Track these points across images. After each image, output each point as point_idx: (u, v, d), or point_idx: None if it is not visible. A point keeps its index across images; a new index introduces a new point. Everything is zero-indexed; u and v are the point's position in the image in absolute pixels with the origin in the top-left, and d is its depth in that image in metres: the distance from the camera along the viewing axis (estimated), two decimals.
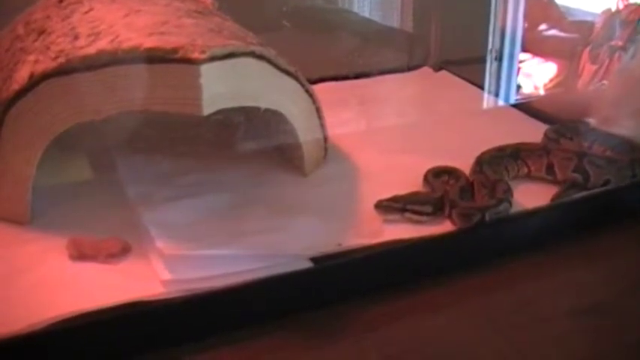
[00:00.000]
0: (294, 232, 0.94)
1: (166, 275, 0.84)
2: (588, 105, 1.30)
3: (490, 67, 1.45)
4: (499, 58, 1.45)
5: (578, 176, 1.09)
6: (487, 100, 1.49)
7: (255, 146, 1.15)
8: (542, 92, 1.53)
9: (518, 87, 1.50)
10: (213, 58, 0.85)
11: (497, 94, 1.48)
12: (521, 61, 1.49)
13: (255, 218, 0.98)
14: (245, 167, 1.12)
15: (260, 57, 0.93)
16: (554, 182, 1.11)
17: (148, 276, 0.85)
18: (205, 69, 0.85)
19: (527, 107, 1.41)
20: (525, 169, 1.12)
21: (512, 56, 1.44)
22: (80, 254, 0.89)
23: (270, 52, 0.95)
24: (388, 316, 0.85)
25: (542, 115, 1.35)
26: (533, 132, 1.24)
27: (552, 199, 1.06)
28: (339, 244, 0.91)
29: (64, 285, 0.84)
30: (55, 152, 0.95)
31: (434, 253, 0.94)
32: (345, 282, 0.88)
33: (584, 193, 1.07)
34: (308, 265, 0.87)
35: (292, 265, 0.86)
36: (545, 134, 1.22)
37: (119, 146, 1.13)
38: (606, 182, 1.08)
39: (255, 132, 1.14)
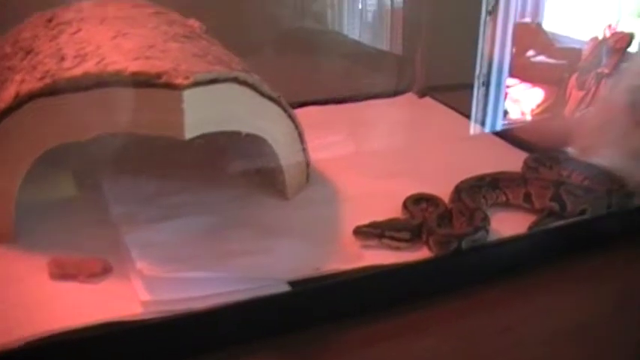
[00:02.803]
0: (273, 255, 0.95)
1: (146, 296, 0.84)
2: (569, 134, 1.32)
3: (477, 92, 1.46)
4: (486, 84, 1.46)
5: (555, 205, 1.10)
6: (469, 128, 1.50)
7: (238, 169, 1.16)
8: (529, 117, 1.54)
9: (506, 112, 1.50)
10: (196, 84, 0.86)
11: (483, 120, 1.49)
12: (508, 87, 1.49)
13: (235, 241, 0.98)
14: (228, 190, 1.13)
15: (243, 83, 0.95)
16: (532, 211, 1.12)
17: (128, 296, 0.85)
18: (188, 94, 0.86)
19: (509, 135, 1.42)
20: (503, 198, 1.14)
21: (499, 82, 1.46)
22: (61, 273, 0.90)
23: (253, 78, 0.97)
24: (365, 340, 0.86)
25: (524, 144, 1.37)
26: (514, 160, 1.26)
27: (529, 228, 1.07)
28: (317, 269, 0.92)
29: (43, 304, 0.84)
30: (41, 170, 0.95)
31: (411, 279, 0.95)
32: (322, 306, 0.89)
33: (560, 222, 1.08)
34: (286, 288, 0.88)
35: (270, 289, 0.87)
36: (525, 163, 1.24)
37: (105, 166, 1.14)
38: (583, 211, 1.10)
39: (238, 156, 1.15)
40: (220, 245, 0.97)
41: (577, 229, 1.09)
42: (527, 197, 1.12)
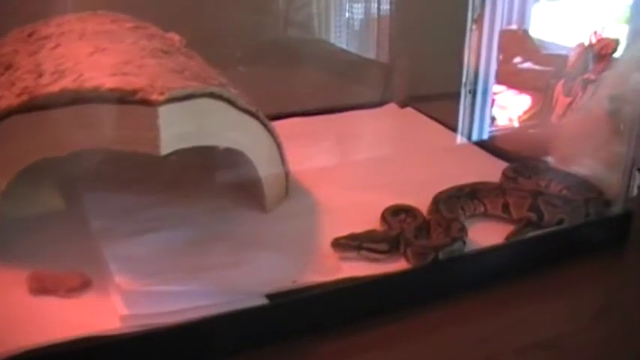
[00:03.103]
0: (251, 268, 0.96)
1: (124, 310, 0.85)
2: (549, 143, 1.33)
3: (464, 100, 1.47)
4: (473, 92, 1.46)
5: (532, 215, 1.11)
6: (450, 138, 1.51)
7: (217, 183, 1.17)
8: (516, 124, 1.55)
9: (493, 119, 1.51)
10: (171, 100, 0.87)
11: (470, 127, 1.50)
12: (495, 94, 1.50)
13: (214, 254, 0.99)
14: (207, 203, 1.13)
15: (219, 97, 0.95)
16: (510, 221, 1.13)
17: (106, 311, 0.86)
18: (163, 110, 0.87)
19: (489, 145, 1.44)
20: (482, 208, 1.14)
21: (485, 89, 1.46)
22: (40, 288, 0.90)
23: (229, 93, 0.97)
24: (343, 352, 0.87)
25: (504, 153, 1.38)
26: (494, 170, 1.26)
27: (507, 238, 1.08)
28: (295, 281, 0.92)
29: (22, 319, 0.85)
30: (21, 184, 0.96)
31: (389, 291, 0.96)
32: (300, 318, 0.89)
33: (538, 232, 1.09)
34: (263, 301, 0.88)
35: (248, 302, 0.87)
36: (504, 173, 1.25)
37: (85, 180, 1.15)
38: (560, 221, 1.11)
39: (217, 169, 1.15)
40: (199, 259, 0.97)
41: (555, 239, 1.10)
42: (506, 207, 1.13)
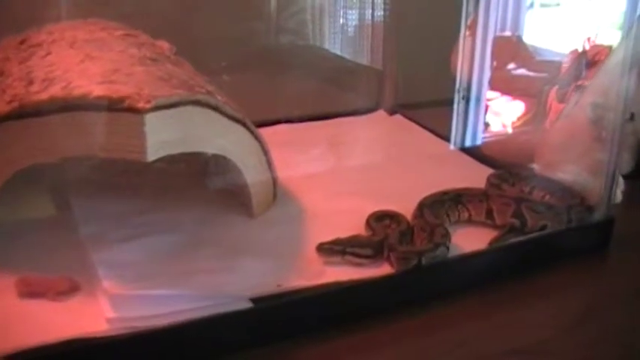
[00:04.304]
0: (237, 273, 0.97)
1: (111, 313, 0.86)
2: (533, 150, 1.34)
3: (458, 106, 1.48)
4: (466, 98, 1.47)
5: (515, 221, 1.13)
6: (437, 145, 1.52)
7: (205, 189, 1.18)
8: (510, 130, 1.55)
9: (487, 125, 1.52)
10: (157, 108, 0.89)
11: (464, 133, 1.51)
12: (489, 100, 1.51)
13: (201, 259, 1.00)
14: (196, 209, 1.14)
15: (205, 105, 0.97)
16: (494, 227, 1.14)
17: (94, 314, 0.87)
18: (149, 118, 0.88)
19: (476, 152, 1.45)
20: (466, 214, 1.16)
21: (479, 96, 1.47)
22: (29, 292, 0.91)
23: (216, 100, 0.99)
24: (327, 355, 0.88)
25: (490, 160, 1.40)
26: (479, 177, 1.28)
27: (490, 243, 1.09)
28: (279, 285, 0.94)
29: (10, 321, 0.86)
30: (12, 190, 0.97)
31: (372, 295, 0.97)
32: (284, 322, 0.91)
33: (520, 238, 1.11)
34: (248, 305, 0.90)
35: (233, 305, 0.89)
36: (488, 180, 1.26)
37: (74, 186, 1.16)
38: (543, 227, 1.12)
39: (205, 175, 1.17)
40: (185, 264, 0.99)
41: (537, 245, 1.11)
42: (489, 213, 1.15)
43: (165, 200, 1.16)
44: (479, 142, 1.50)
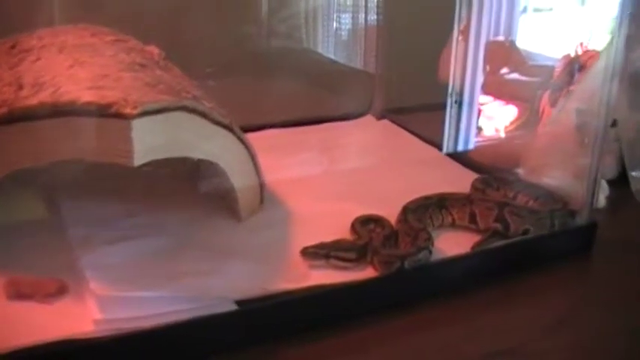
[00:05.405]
0: (223, 275, 0.99)
1: (98, 315, 0.88)
2: (519, 155, 1.35)
3: (450, 110, 1.48)
4: (459, 103, 1.48)
5: (498, 225, 1.15)
6: (424, 150, 1.54)
7: (193, 193, 1.20)
8: (503, 134, 1.56)
9: (480, 129, 1.52)
10: (144, 114, 0.90)
11: (456, 137, 1.51)
12: (482, 104, 1.52)
13: (188, 262, 1.02)
14: (184, 213, 1.16)
15: (192, 111, 0.98)
16: (477, 231, 1.16)
17: (82, 315, 0.89)
18: (136, 123, 0.89)
19: (462, 157, 1.46)
20: (450, 218, 1.18)
21: (471, 101, 1.47)
22: (17, 293, 0.92)
23: (203, 106, 1.00)
24: (310, 356, 0.90)
25: (476, 165, 1.42)
26: (466, 182, 1.30)
27: (472, 247, 1.11)
28: (264, 288, 0.95)
29: None
30: (2, 192, 0.99)
31: (356, 298, 0.99)
32: (268, 324, 0.92)
33: (503, 242, 1.12)
34: (233, 307, 0.92)
35: (218, 307, 0.91)
36: (473, 184, 1.28)
37: (63, 189, 1.18)
38: (526, 231, 1.14)
39: (193, 180, 1.19)
40: (172, 266, 1.00)
41: (519, 249, 1.13)
42: (473, 218, 1.17)
43: (153, 203, 1.18)
44: (471, 146, 1.48)
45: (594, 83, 1.19)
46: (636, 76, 1.32)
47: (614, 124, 1.22)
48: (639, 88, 1.25)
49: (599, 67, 1.20)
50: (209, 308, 0.90)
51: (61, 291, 0.94)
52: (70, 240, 1.06)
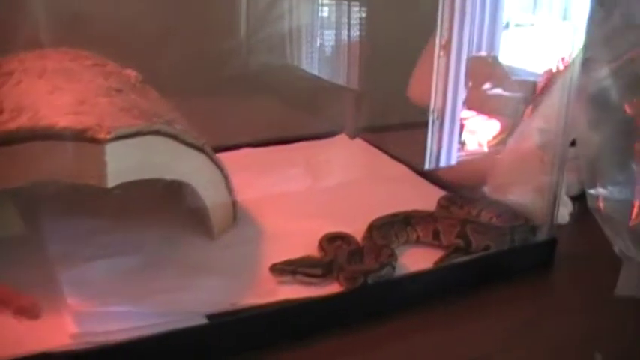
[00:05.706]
0: (194, 291, 1.03)
1: (74, 329, 0.92)
2: (485, 173, 1.40)
3: (432, 127, 1.50)
4: (441, 119, 1.50)
5: (460, 242, 1.19)
6: (395, 169, 1.59)
7: (168, 212, 1.24)
8: (485, 149, 1.58)
9: (463, 144, 1.55)
10: (118, 138, 0.95)
11: (439, 153, 1.53)
12: (464, 119, 1.54)
13: (161, 278, 1.07)
14: (159, 231, 1.21)
15: (165, 134, 1.03)
16: (441, 247, 1.21)
17: (58, 329, 0.93)
18: (110, 148, 0.94)
19: (432, 175, 1.51)
20: (415, 235, 1.22)
21: (453, 117, 1.50)
22: None
23: (175, 129, 1.05)
24: None
25: (444, 183, 1.47)
26: (434, 199, 1.35)
27: (435, 263, 1.16)
28: (233, 303, 1.00)
29: None
30: None
31: (321, 312, 1.03)
32: (237, 337, 0.97)
33: (464, 258, 1.17)
34: (203, 321, 0.96)
35: (189, 321, 0.95)
36: (439, 202, 1.33)
37: (44, 207, 1.22)
38: (487, 247, 1.19)
39: (168, 199, 1.23)
40: (147, 282, 1.05)
41: (481, 264, 1.17)
42: (436, 234, 1.21)
43: (130, 221, 1.22)
44: (453, 162, 1.53)
45: (554, 103, 1.23)
46: (597, 97, 1.35)
47: (573, 143, 1.26)
48: (598, 109, 1.29)
49: (557, 88, 1.24)
50: (181, 322, 0.94)
51: (34, 309, 0.97)
52: (49, 256, 1.10)
